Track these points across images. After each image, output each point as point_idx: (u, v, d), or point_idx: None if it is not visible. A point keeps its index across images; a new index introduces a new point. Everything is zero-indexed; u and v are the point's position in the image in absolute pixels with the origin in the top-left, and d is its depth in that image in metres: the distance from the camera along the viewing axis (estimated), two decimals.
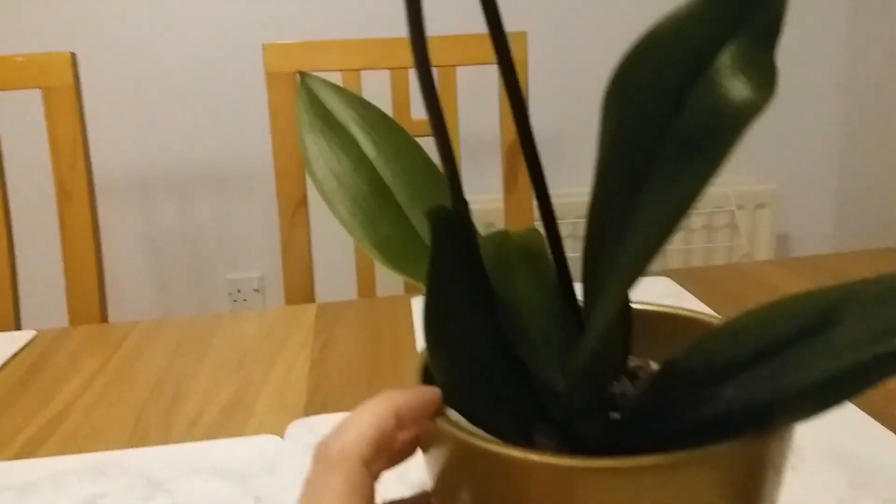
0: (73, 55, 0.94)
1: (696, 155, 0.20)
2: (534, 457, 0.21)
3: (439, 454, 0.25)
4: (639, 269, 0.20)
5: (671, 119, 0.22)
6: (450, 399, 0.26)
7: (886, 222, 1.73)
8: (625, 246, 0.23)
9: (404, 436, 0.27)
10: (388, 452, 0.25)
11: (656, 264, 1.70)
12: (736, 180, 1.74)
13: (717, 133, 0.20)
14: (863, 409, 0.50)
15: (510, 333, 0.27)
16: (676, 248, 1.68)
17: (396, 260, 0.30)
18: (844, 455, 0.45)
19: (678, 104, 0.21)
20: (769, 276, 0.80)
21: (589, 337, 0.22)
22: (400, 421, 0.25)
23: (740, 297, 0.74)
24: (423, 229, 0.31)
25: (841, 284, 0.24)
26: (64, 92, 0.92)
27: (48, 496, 0.47)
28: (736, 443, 0.22)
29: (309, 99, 0.33)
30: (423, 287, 0.24)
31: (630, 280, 0.21)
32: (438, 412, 0.25)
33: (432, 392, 0.25)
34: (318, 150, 0.32)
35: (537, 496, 0.22)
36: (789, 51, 1.77)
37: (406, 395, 0.25)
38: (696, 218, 1.67)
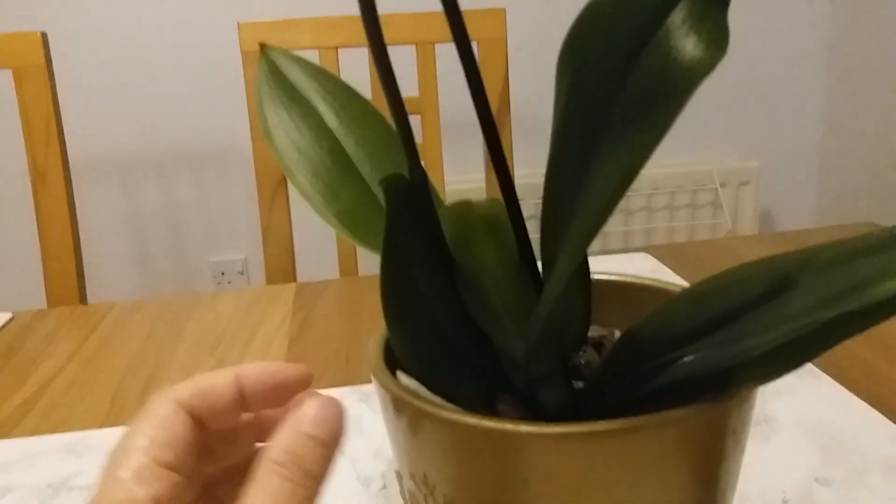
0: (43, 35, 0.92)
1: (646, 116, 0.20)
2: (489, 423, 0.21)
3: (399, 423, 0.25)
4: (590, 233, 0.20)
5: (624, 82, 0.21)
6: (412, 370, 0.26)
7: (868, 198, 1.74)
8: (579, 207, 0.23)
9: (251, 407, 0.26)
10: (215, 409, 0.25)
11: (639, 241, 1.70)
12: (719, 158, 1.74)
13: (668, 93, 0.20)
14: (838, 381, 0.51)
15: (471, 303, 0.26)
16: (660, 226, 1.69)
17: (359, 231, 0.30)
18: (818, 426, 0.46)
19: (630, 66, 0.21)
20: (750, 251, 0.80)
21: (544, 302, 0.22)
22: (242, 388, 0.25)
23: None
24: None
25: (798, 250, 0.24)
26: (35, 72, 0.91)
27: (22, 476, 0.47)
28: (691, 407, 0.21)
29: (269, 70, 0.33)
30: (378, 253, 0.24)
31: (582, 245, 0.21)
32: (297, 392, 0.24)
33: (292, 371, 0.25)
34: (279, 121, 0.32)
35: (495, 463, 0.22)
36: (772, 27, 1.77)
37: (258, 367, 0.25)
38: (680, 196, 1.67)
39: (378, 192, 0.31)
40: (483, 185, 1.10)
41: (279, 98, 0.32)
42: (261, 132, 0.32)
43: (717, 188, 1.67)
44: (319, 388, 0.55)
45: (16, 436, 0.52)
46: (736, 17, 1.73)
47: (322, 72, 0.34)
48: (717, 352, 0.23)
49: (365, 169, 0.32)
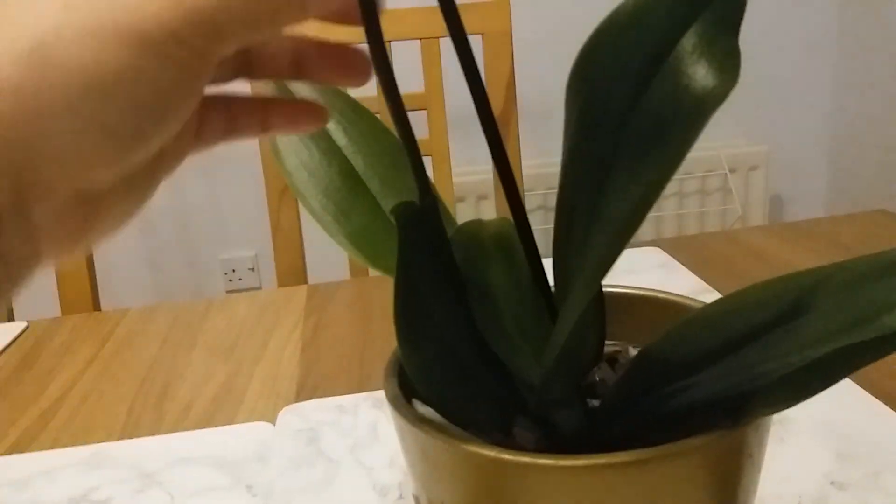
0: None
1: (660, 144, 0.20)
2: (506, 456, 0.21)
3: (416, 452, 0.25)
4: (606, 265, 0.20)
5: (634, 107, 0.21)
6: (427, 397, 0.26)
7: (878, 182, 1.73)
8: (593, 236, 0.22)
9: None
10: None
11: (649, 231, 1.69)
12: (728, 143, 1.73)
13: (680, 122, 0.20)
14: (855, 381, 0.50)
15: (484, 325, 0.26)
16: (669, 213, 1.68)
17: (370, 252, 0.30)
18: (833, 427, 0.46)
19: (641, 91, 0.21)
20: (761, 243, 0.80)
21: (560, 330, 0.22)
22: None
23: (732, 266, 0.74)
24: None
25: (814, 269, 0.23)
26: None
27: (42, 491, 0.47)
28: (707, 436, 0.21)
29: (277, 88, 0.33)
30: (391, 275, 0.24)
31: (598, 275, 0.21)
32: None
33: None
34: (288, 141, 0.32)
35: (512, 493, 0.22)
36: (781, 10, 1.75)
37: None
38: (689, 182, 1.66)
39: (389, 210, 0.31)
40: (491, 176, 1.09)
41: None
42: (271, 152, 0.32)
43: (726, 173, 1.66)
44: (334, 394, 0.55)
45: (34, 449, 0.53)
46: None
47: (330, 89, 0.34)
48: (731, 377, 0.23)
49: (374, 186, 0.32)
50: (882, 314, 0.19)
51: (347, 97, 0.34)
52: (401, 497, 0.43)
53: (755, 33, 1.75)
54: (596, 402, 0.28)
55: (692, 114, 0.19)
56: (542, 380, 0.23)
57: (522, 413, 0.26)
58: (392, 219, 0.28)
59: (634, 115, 0.21)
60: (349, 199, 0.31)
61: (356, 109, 0.34)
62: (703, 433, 0.21)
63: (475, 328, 0.26)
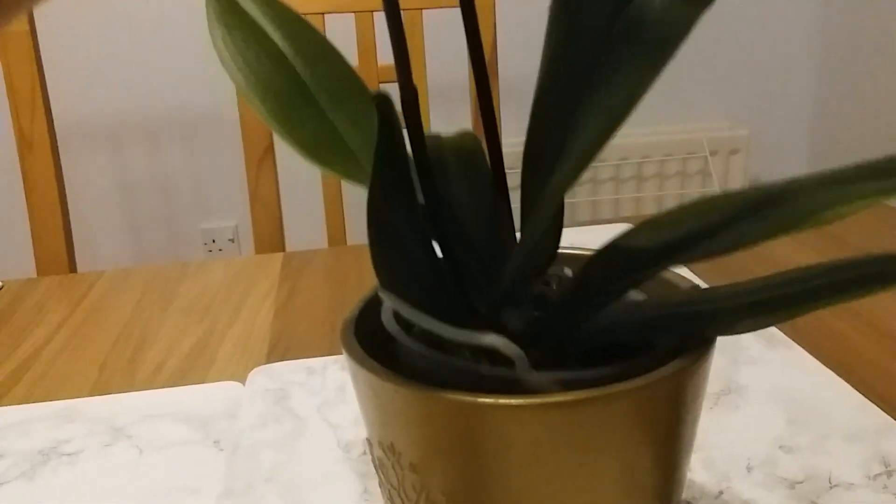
0: None
1: (638, 57, 0.20)
2: (449, 396, 0.22)
3: (365, 394, 0.26)
4: (576, 171, 0.21)
5: (615, 16, 0.21)
6: (392, 288, 0.26)
7: None
8: (564, 152, 0.23)
9: None
10: None
11: (628, 210, 1.71)
12: (709, 126, 1.75)
13: (661, 33, 0.20)
14: (809, 352, 0.52)
15: (444, 231, 0.27)
16: (649, 195, 1.70)
17: (322, 157, 0.29)
18: (786, 394, 0.47)
19: (623, 3, 0.21)
20: None
21: (526, 239, 0.23)
22: None
23: None
24: (348, 133, 0.30)
25: (766, 185, 0.24)
26: (19, 38, 0.90)
27: (15, 442, 0.48)
28: (644, 378, 0.23)
29: None
30: (344, 179, 0.24)
31: (567, 182, 0.21)
32: None
33: None
34: (235, 48, 0.31)
35: (456, 431, 0.23)
36: None
37: None
38: (669, 164, 1.68)
39: (339, 124, 0.30)
40: None
41: (232, 23, 0.31)
42: (217, 55, 0.31)
43: (706, 156, 1.68)
44: (305, 356, 0.56)
45: (6, 403, 0.53)
46: None
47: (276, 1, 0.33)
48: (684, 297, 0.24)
49: (323, 100, 0.31)
50: (821, 211, 0.20)
51: (294, 11, 0.33)
52: (364, 453, 0.44)
53: (739, 16, 1.76)
54: (537, 313, 0.28)
55: (675, 23, 0.19)
56: (506, 280, 0.24)
57: (477, 316, 0.27)
58: (349, 128, 0.29)
59: (616, 23, 0.21)
60: (301, 107, 0.30)
61: (304, 26, 0.33)
62: (639, 376, 0.23)
63: (439, 231, 0.26)
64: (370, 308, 0.30)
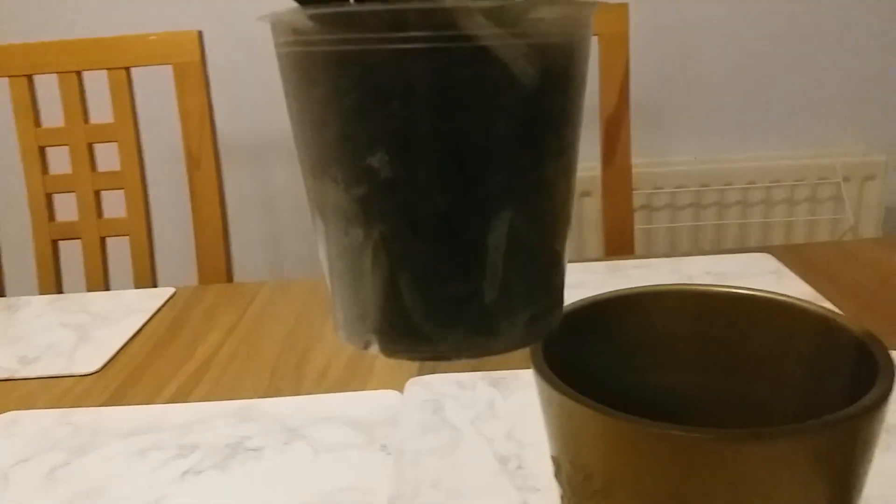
0: (199, 33, 1.01)
1: None
2: (645, 426, 0.25)
3: (559, 419, 0.29)
4: None
5: None
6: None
7: None
8: None
9: None
10: None
11: (755, 235, 1.67)
12: (843, 151, 1.69)
13: None
14: None
15: None
16: (778, 220, 1.65)
17: None
18: None
19: None
20: (874, 254, 0.79)
21: None
22: None
23: (842, 276, 0.75)
24: None
25: None
26: (192, 67, 1.00)
27: (202, 436, 0.54)
28: (827, 419, 0.25)
29: None
30: None
31: None
32: None
33: None
34: None
35: (652, 458, 0.25)
36: None
37: None
38: (800, 189, 1.63)
39: None
40: (593, 174, 1.12)
41: None
42: None
43: (839, 182, 1.62)
44: (453, 371, 0.60)
45: (192, 400, 0.60)
46: (861, 2, 1.66)
47: None
48: None
49: None
50: None
51: None
52: (519, 467, 0.47)
53: (874, 35, 1.69)
54: None
55: None
56: None
57: None
58: None
59: None
60: None
61: None
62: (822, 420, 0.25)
63: None
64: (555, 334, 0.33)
